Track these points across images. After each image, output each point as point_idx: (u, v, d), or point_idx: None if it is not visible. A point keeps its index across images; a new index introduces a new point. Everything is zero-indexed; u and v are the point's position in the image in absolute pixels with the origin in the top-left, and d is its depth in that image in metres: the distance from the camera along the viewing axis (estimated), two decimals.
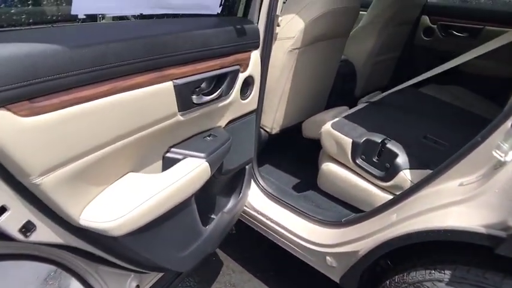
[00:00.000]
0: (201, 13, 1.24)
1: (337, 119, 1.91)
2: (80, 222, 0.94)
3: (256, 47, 1.44)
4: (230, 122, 1.43)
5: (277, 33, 1.64)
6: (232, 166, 1.50)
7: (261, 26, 1.46)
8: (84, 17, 0.87)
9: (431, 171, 1.65)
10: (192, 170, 1.11)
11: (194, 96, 1.14)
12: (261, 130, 2.07)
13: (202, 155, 1.17)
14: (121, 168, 1.06)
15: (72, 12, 0.81)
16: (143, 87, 0.97)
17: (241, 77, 1.36)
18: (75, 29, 0.91)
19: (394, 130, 1.83)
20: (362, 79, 2.77)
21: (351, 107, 2.25)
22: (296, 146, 2.41)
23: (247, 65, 1.38)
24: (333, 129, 1.84)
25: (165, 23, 1.16)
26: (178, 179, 1.07)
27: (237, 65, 1.31)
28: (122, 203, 0.98)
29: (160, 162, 1.18)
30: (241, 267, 2.15)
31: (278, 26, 1.58)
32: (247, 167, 1.72)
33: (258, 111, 1.61)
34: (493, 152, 1.16)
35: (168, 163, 1.16)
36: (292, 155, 2.38)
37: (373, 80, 2.89)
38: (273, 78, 1.89)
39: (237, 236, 2.26)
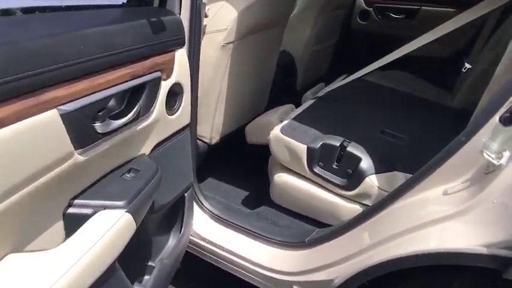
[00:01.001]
0: (99, 4, 0.89)
1: (285, 122, 1.63)
2: None
3: (181, 45, 1.11)
4: (157, 146, 1.09)
5: (205, 26, 1.32)
6: (166, 200, 1.17)
7: (185, 17, 1.14)
8: None
9: (400, 173, 1.49)
10: (108, 230, 0.77)
11: (98, 124, 0.80)
12: (198, 142, 1.75)
13: (120, 203, 0.82)
14: None
15: None
16: (9, 123, 0.61)
17: (165, 85, 1.03)
18: None
19: (349, 128, 1.61)
20: (302, 71, 2.54)
21: (295, 103, 2.00)
22: (241, 155, 2.11)
23: (171, 69, 1.06)
24: (282, 135, 1.56)
25: (43, 20, 0.80)
26: (89, 249, 0.72)
27: (157, 70, 0.98)
28: None
29: (61, 224, 0.81)
30: None
31: (206, 16, 1.27)
32: (186, 193, 1.39)
33: (192, 125, 1.29)
34: (484, 154, 0.97)
35: (71, 223, 0.79)
36: (237, 166, 2.08)
37: (313, 70, 2.68)
38: (206, 80, 1.57)
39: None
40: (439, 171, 1.06)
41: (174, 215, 1.38)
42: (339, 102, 1.93)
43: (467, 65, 2.61)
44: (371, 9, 2.84)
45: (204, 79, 1.46)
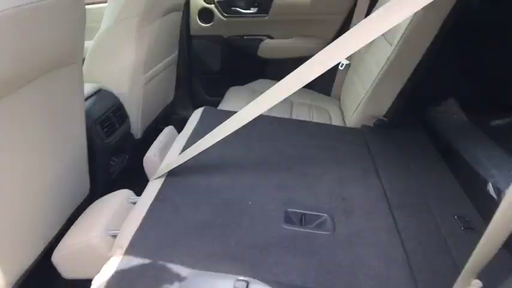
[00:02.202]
0: None
1: (121, 251, 0.83)
2: None
3: None
4: None
5: None
6: None
7: None
8: None
9: None
10: None
11: None
12: None
13: None
14: None
15: None
16: None
17: None
18: None
19: (236, 229, 0.88)
20: (137, 112, 1.71)
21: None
22: None
23: None
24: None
25: None
26: None
27: None
28: None
29: None
30: None
31: None
32: None
33: None
34: None
35: None
36: None
37: (152, 107, 1.88)
38: None
39: None
40: None
41: None
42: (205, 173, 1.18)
43: (345, 61, 2.12)
44: (212, 6, 2.12)
45: None
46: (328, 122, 1.74)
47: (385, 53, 1.49)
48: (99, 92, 1.58)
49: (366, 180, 1.20)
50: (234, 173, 1.16)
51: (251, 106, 0.97)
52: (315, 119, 1.73)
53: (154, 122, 1.98)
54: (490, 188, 1.40)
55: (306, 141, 1.39)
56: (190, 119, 1.54)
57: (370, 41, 0.81)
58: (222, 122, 1.01)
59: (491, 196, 1.39)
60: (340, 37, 0.84)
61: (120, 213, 1.12)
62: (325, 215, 1.03)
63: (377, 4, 1.86)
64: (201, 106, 1.73)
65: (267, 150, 1.31)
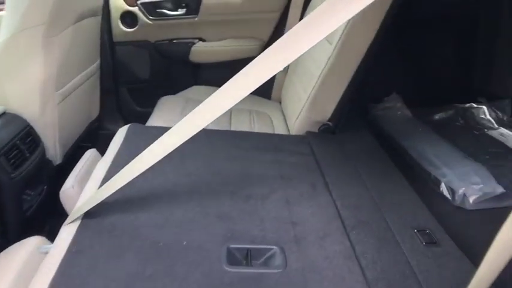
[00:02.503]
0: None
1: None
2: None
3: None
4: None
5: None
6: None
7: None
8: None
9: None
10: None
11: None
12: None
13: None
14: None
15: None
16: None
17: None
18: None
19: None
20: (52, 135, 1.48)
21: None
22: None
23: None
24: None
25: None
26: None
27: None
28: None
29: None
30: None
31: None
32: None
33: None
34: None
35: None
36: None
37: (72, 126, 1.65)
38: None
39: None
40: None
41: None
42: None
43: None
44: (135, 8, 1.91)
45: None
46: (271, 130, 1.61)
47: (325, 52, 1.38)
48: (2, 116, 1.34)
49: (316, 197, 1.08)
50: (165, 205, 0.99)
51: (187, 121, 0.81)
52: (257, 128, 1.59)
53: (79, 142, 1.75)
54: (444, 188, 1.35)
55: (248, 157, 1.25)
56: (113, 140, 1.34)
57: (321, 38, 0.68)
58: (151, 142, 0.84)
59: (445, 197, 1.34)
60: (289, 33, 0.70)
61: (30, 269, 0.91)
62: (275, 247, 0.89)
63: (311, 2, 1.76)
64: (132, 118, 1.54)
65: (203, 173, 1.14)
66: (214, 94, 0.77)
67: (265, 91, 2.05)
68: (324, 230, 0.97)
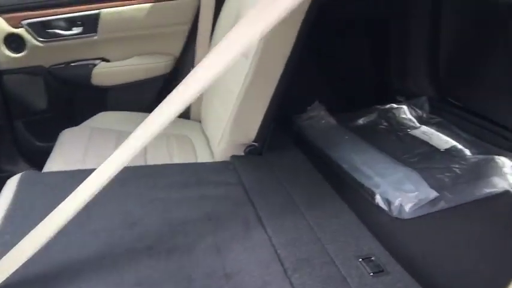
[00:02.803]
0: None
1: None
2: None
3: None
4: None
5: None
6: None
7: None
8: None
9: None
10: None
11: None
12: None
13: None
14: None
15: None
16: None
17: None
18: None
19: None
20: None
21: None
22: None
23: None
24: None
25: None
26: None
27: None
28: None
29: None
30: None
31: None
32: None
33: None
34: None
35: None
36: None
37: None
38: None
39: None
40: None
41: None
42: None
43: None
44: (21, 29, 1.65)
45: None
46: (193, 157, 1.45)
47: (242, 68, 1.26)
48: None
49: (250, 238, 0.96)
50: (67, 278, 0.80)
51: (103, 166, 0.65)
52: (177, 156, 1.43)
53: None
54: (379, 200, 1.30)
55: (168, 197, 1.08)
56: (1, 194, 1.10)
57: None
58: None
59: (381, 208, 1.29)
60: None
61: None
62: None
63: (221, 13, 1.64)
64: (32, 156, 1.28)
65: (115, 227, 0.96)
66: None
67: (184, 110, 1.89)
68: (263, 278, 0.85)
